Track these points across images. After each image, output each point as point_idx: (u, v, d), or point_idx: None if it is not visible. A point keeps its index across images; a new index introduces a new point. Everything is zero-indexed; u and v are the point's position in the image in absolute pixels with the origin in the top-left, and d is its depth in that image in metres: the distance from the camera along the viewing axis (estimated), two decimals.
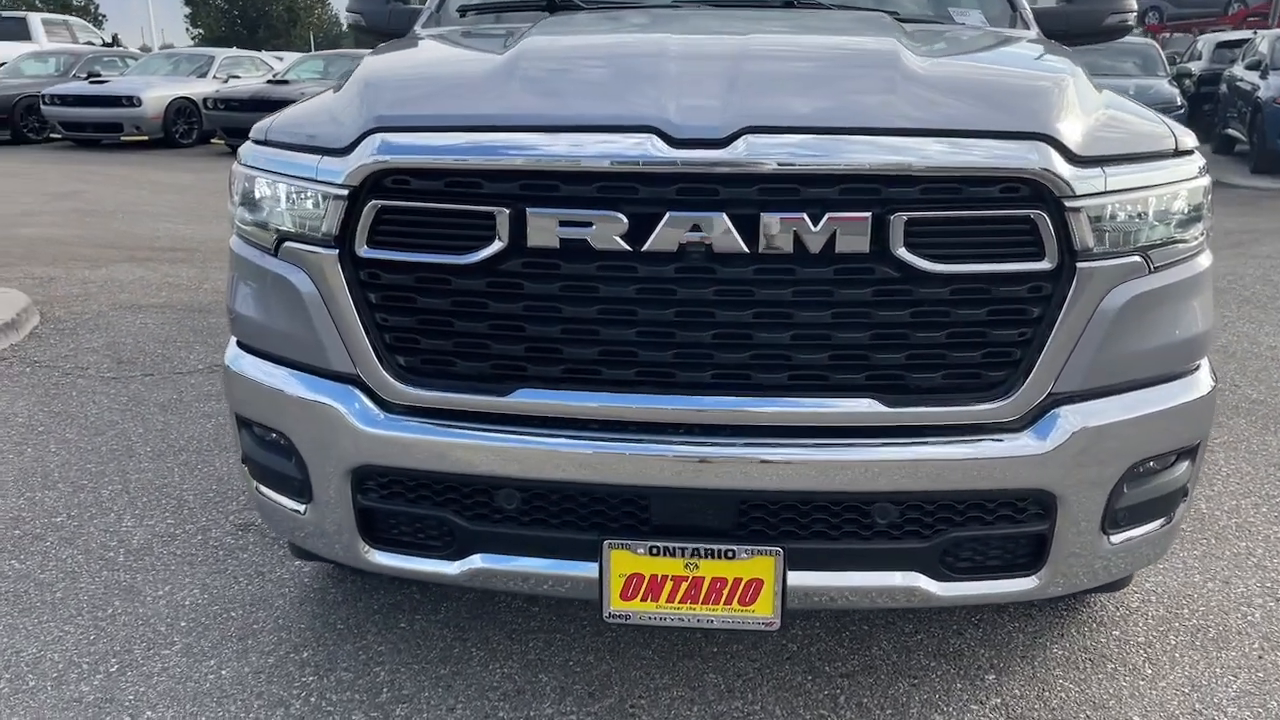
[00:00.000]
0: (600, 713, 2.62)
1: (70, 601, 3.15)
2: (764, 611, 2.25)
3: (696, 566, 2.24)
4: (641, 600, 2.27)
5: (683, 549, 2.23)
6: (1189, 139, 2.39)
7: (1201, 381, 2.40)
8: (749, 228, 2.08)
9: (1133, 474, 2.34)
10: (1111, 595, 3.16)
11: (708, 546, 2.22)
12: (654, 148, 2.07)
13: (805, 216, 2.07)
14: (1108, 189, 2.15)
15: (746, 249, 2.08)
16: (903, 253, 2.09)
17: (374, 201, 2.20)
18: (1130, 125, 2.36)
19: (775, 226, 2.07)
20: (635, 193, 2.09)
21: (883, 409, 2.17)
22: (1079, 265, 2.14)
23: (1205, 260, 2.40)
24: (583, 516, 2.31)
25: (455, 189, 2.16)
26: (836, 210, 2.07)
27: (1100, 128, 2.26)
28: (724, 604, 2.25)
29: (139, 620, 3.05)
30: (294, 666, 2.82)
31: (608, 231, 2.10)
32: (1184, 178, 2.30)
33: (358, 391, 2.32)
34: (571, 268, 2.14)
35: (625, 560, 2.25)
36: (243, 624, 3.03)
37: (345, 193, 2.21)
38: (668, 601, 2.26)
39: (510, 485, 2.29)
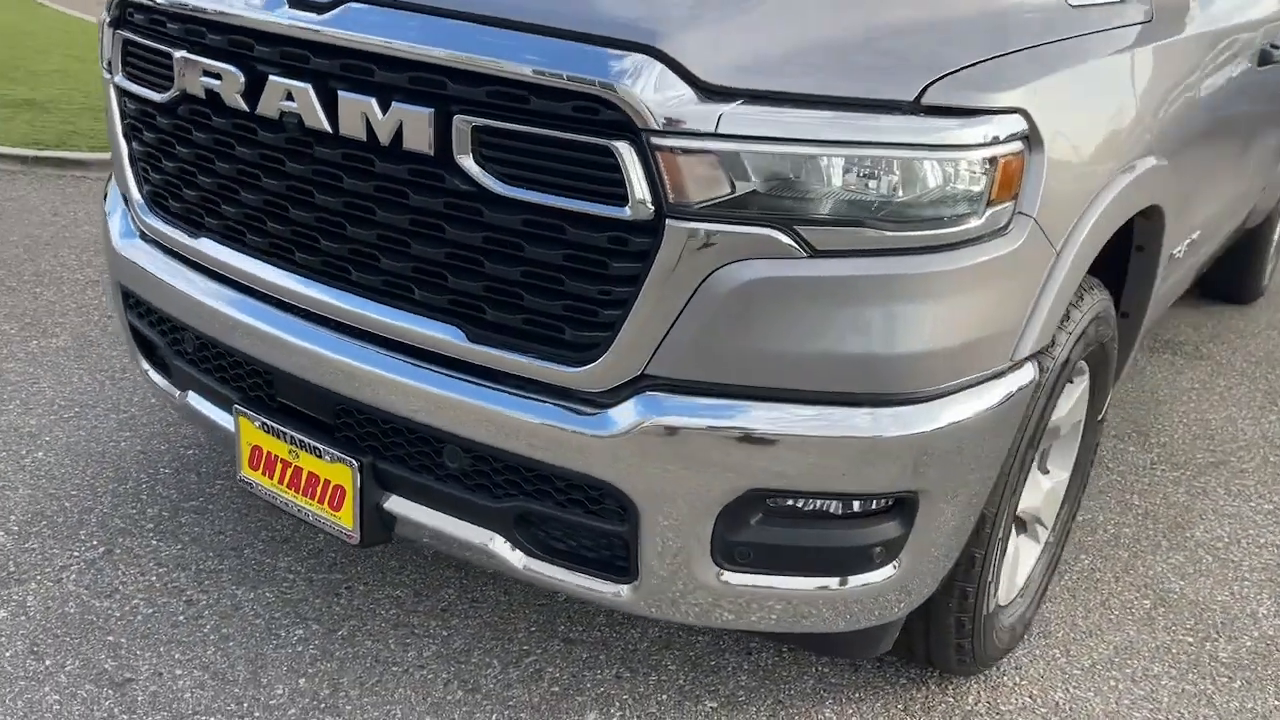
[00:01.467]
0: (267, 600, 2.63)
1: (90, 366, 3.73)
2: (346, 521, 2.12)
3: (298, 455, 2.16)
4: (262, 474, 2.24)
5: (285, 434, 2.15)
6: (978, 96, 1.74)
7: (903, 417, 1.79)
8: (333, 105, 1.90)
9: (764, 504, 1.85)
10: (990, 687, 2.49)
11: (303, 439, 2.13)
12: (269, 5, 1.95)
13: (374, 102, 1.84)
14: (721, 130, 1.65)
15: (330, 129, 1.91)
16: (468, 164, 1.79)
17: (119, 32, 2.31)
18: (862, 61, 1.77)
19: (349, 108, 1.87)
20: (251, 50, 2.00)
21: (461, 342, 1.91)
22: (668, 223, 1.69)
23: (952, 261, 1.76)
24: (233, 377, 2.31)
25: (153, 26, 2.20)
26: (402, 101, 1.82)
27: (782, 54, 1.72)
28: (318, 501, 2.16)
29: (111, 392, 3.54)
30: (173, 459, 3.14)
31: (231, 87, 2.03)
32: (902, 141, 1.69)
33: (128, 213, 2.49)
34: (217, 121, 2.11)
35: (249, 429, 2.23)
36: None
37: (109, 20, 2.35)
38: (279, 483, 2.21)
39: (188, 329, 2.34)
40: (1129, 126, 2.18)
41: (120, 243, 2.47)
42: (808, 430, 1.77)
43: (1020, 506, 2.57)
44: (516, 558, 2.00)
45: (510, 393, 1.88)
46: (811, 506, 1.87)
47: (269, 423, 2.17)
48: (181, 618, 2.47)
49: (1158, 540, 3.19)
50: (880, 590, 1.94)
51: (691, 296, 1.72)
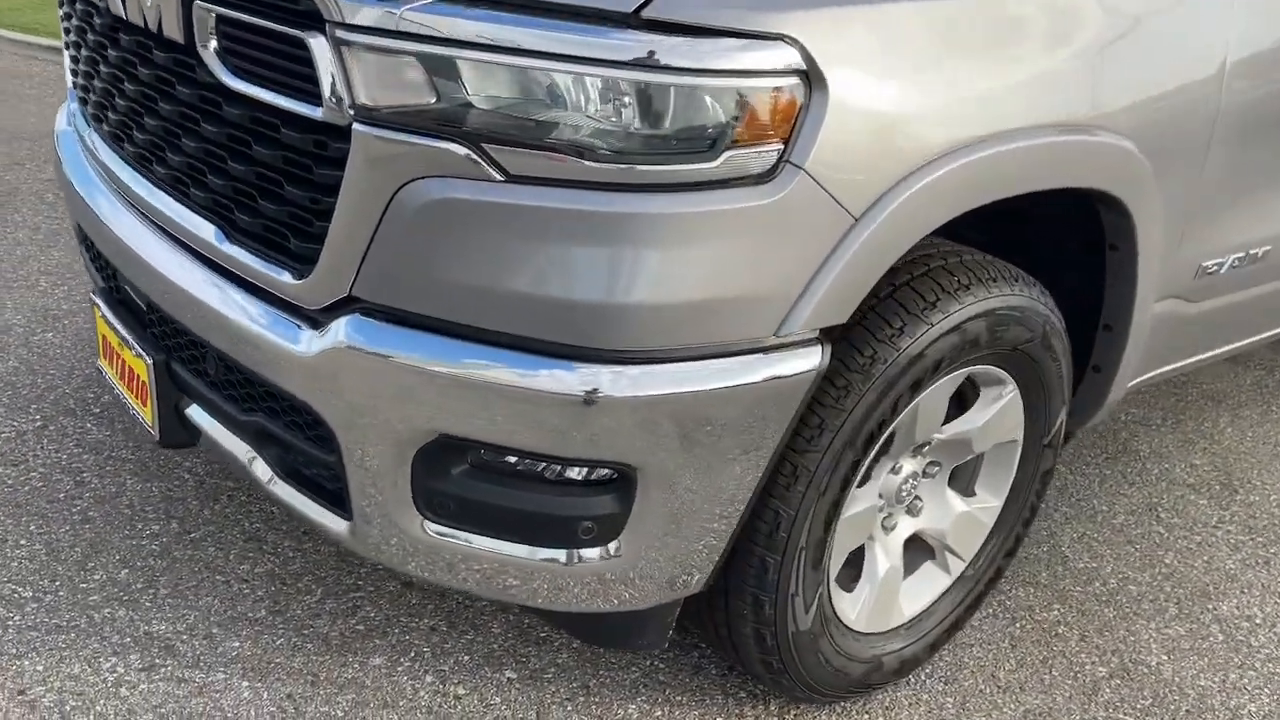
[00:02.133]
0: (150, 493, 2.67)
1: None
2: (148, 417, 2.12)
3: (123, 348, 2.18)
4: (107, 363, 2.28)
5: (114, 326, 2.18)
6: (722, 15, 1.49)
7: (604, 378, 1.57)
8: None
9: (466, 454, 1.68)
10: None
11: (123, 332, 2.15)
12: None
13: None
14: (404, 30, 1.49)
15: (125, 16, 1.90)
16: (208, 55, 1.73)
17: None
18: None
19: None
20: None
21: (220, 243, 1.85)
22: (355, 128, 1.56)
23: (673, 205, 1.53)
24: (97, 268, 2.36)
25: None
26: None
27: None
28: (134, 395, 2.17)
29: None
30: None
31: None
32: (609, 58, 1.47)
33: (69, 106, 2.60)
34: (79, 6, 2.15)
35: (99, 319, 2.27)
36: None
37: None
38: (115, 374, 2.25)
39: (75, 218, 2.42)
40: (1023, 86, 1.80)
41: (60, 131, 2.58)
42: (493, 377, 1.58)
43: (920, 527, 2.25)
44: (266, 476, 1.93)
45: (245, 299, 1.80)
46: (519, 465, 1.68)
47: (107, 314, 2.20)
48: (62, 495, 2.56)
49: (1165, 606, 2.70)
50: (598, 573, 1.73)
51: (384, 213, 1.58)
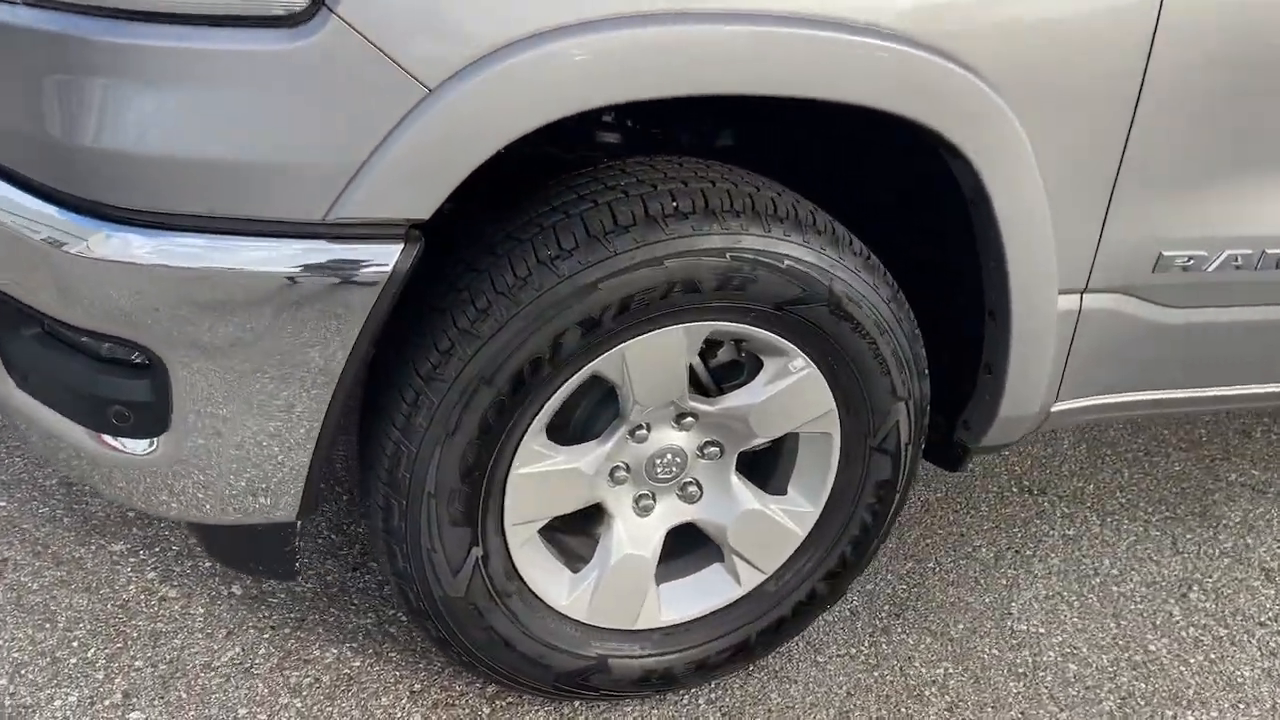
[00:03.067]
0: None
1: None
2: None
3: None
4: None
5: None
6: None
7: (117, 241, 1.35)
8: None
9: (34, 317, 1.55)
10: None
11: None
12: None
13: None
14: None
15: None
16: None
17: None
18: None
19: None
20: None
21: None
22: None
23: (163, 38, 1.31)
24: None
25: None
26: None
27: None
28: None
29: None
30: None
31: None
32: None
33: None
34: None
35: None
36: None
37: None
38: None
39: None
40: None
41: None
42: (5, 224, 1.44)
43: (694, 518, 1.88)
44: None
45: None
46: (79, 337, 1.51)
47: None
48: None
49: (1101, 699, 2.10)
50: (144, 470, 1.54)
51: None
